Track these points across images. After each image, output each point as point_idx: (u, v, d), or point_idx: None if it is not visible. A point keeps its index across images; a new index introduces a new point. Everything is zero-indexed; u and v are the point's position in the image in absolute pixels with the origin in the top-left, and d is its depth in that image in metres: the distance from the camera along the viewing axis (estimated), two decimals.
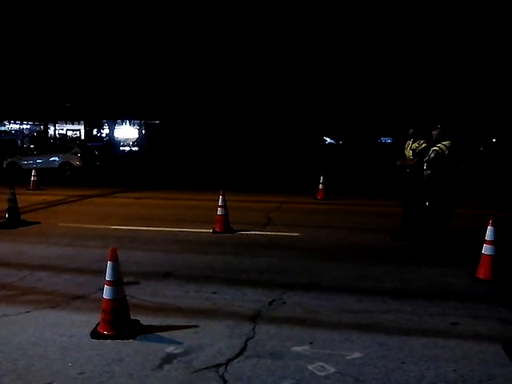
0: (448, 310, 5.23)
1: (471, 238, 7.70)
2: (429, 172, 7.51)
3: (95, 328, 4.54)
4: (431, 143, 7.73)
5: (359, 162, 25.88)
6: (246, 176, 20.80)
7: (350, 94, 35.73)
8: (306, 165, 23.97)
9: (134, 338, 4.42)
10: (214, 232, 9.13)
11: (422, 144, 8.20)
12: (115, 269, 4.47)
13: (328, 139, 46.59)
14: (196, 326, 4.72)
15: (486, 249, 6.23)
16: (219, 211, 9.15)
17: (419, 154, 8.09)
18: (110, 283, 4.42)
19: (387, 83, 34.79)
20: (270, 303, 5.38)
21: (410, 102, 33.32)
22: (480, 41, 32.09)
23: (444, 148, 7.38)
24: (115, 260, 4.45)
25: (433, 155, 7.42)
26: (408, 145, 8.49)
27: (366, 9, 33.13)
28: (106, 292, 4.42)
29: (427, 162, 7.51)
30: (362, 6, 33.05)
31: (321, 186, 14.12)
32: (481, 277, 6.23)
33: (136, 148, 41.29)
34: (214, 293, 5.72)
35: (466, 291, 5.92)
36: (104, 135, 53.92)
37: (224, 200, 9.10)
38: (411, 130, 8.37)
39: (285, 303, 5.40)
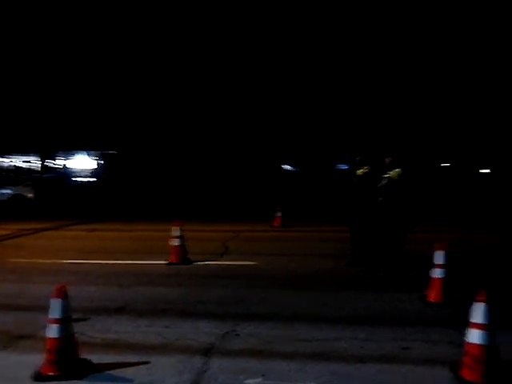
0: (401, 334, 5.30)
1: (423, 262, 7.76)
2: (381, 199, 7.76)
3: (39, 369, 4.32)
4: (383, 171, 8.01)
5: (317, 188, 26.25)
6: (202, 205, 20.65)
7: (307, 121, 36.47)
8: (263, 192, 24.05)
9: (81, 378, 4.24)
10: (169, 264, 8.99)
11: (363, 170, 8.58)
12: (60, 306, 4.30)
13: (286, 166, 47.12)
14: (147, 363, 4.59)
15: (435, 272, 6.40)
16: (175, 242, 9.05)
17: (363, 179, 8.42)
18: (54, 321, 4.25)
19: (343, 110, 35.71)
20: (224, 335, 5.30)
21: (364, 129, 34.30)
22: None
23: (395, 175, 7.68)
24: (60, 297, 4.29)
25: (385, 182, 7.71)
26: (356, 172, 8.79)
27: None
28: (51, 331, 4.25)
29: (379, 188, 7.78)
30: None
31: (278, 214, 14.20)
32: (432, 300, 6.36)
33: (93, 179, 40.68)
34: (166, 327, 5.58)
35: (417, 315, 6.01)
36: (59, 166, 52.97)
37: (180, 230, 9.03)
38: (358, 158, 8.65)
39: (239, 335, 5.33)
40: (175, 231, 9.00)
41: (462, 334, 4.42)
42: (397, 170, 7.77)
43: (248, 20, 32.80)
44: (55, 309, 4.29)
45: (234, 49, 32.76)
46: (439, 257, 6.38)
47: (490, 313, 4.00)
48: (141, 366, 4.51)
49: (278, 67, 33.89)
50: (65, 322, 4.32)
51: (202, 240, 11.50)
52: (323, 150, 39.08)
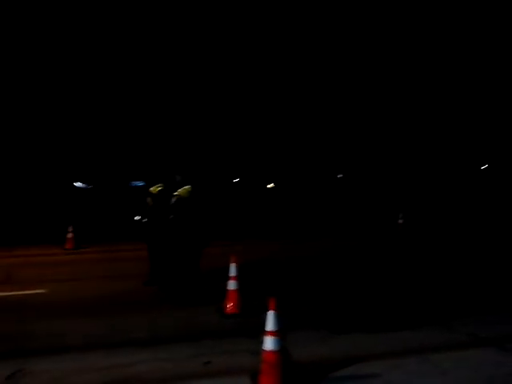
0: (201, 349, 5.36)
1: (220, 275, 7.77)
2: (172, 216, 7.77)
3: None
4: (172, 188, 8.08)
5: (111, 205, 23.71)
6: None
7: (100, 135, 33.87)
8: (52, 211, 21.81)
9: None
10: None
11: (157, 188, 8.75)
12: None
13: (78, 184, 43.34)
14: None
15: (230, 284, 6.73)
16: None
17: (155, 198, 8.59)
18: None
19: (140, 128, 34.44)
20: (11, 376, 4.75)
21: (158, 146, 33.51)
22: None
23: (184, 193, 7.75)
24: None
25: (174, 200, 7.73)
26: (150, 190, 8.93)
27: None
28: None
29: (170, 206, 7.81)
30: None
31: (69, 235, 13.34)
32: (229, 312, 6.66)
33: None
34: None
35: (216, 328, 6.21)
36: None
37: None
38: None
39: (29, 373, 4.82)
40: None
41: (259, 341, 4.55)
42: (186, 187, 7.83)
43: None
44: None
45: None
46: (232, 269, 6.76)
47: (279, 320, 4.27)
48: None
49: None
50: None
51: None
52: (116, 166, 36.94)
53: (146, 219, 8.66)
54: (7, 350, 5.53)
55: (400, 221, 15.81)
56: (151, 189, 8.73)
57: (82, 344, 5.70)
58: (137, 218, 8.71)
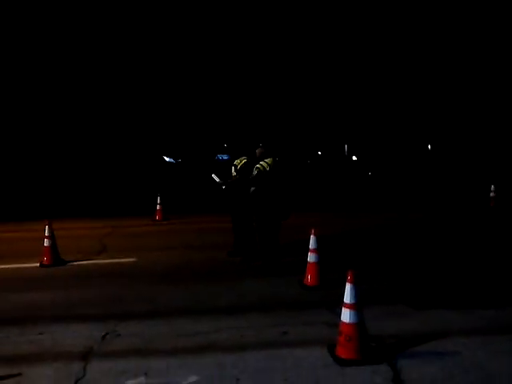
0: (280, 319, 5.49)
1: (300, 248, 7.85)
2: (253, 188, 7.79)
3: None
4: (255, 161, 8.04)
5: (198, 179, 22.72)
6: (75, 199, 19.17)
7: (187, 111, 35.09)
8: (142, 184, 23.12)
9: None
10: (41, 266, 8.50)
11: (242, 161, 8.73)
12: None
13: (167, 158, 44.52)
14: (19, 375, 4.30)
15: (310, 257, 6.72)
16: (46, 242, 8.51)
17: (240, 171, 8.62)
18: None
19: (223, 102, 33.97)
20: (103, 337, 5.09)
21: (237, 120, 32.78)
22: None
23: (266, 165, 7.67)
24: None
25: (255, 172, 7.69)
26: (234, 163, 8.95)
27: None
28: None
29: (251, 179, 7.83)
30: None
31: (158, 207, 13.87)
32: (308, 284, 6.71)
33: None
34: (40, 334, 5.23)
35: (295, 299, 6.29)
36: None
37: (51, 229, 8.57)
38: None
39: (119, 335, 5.15)
40: (46, 230, 8.54)
41: (336, 314, 4.74)
42: (267, 159, 7.78)
43: None
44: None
45: None
46: (313, 242, 6.73)
47: (357, 292, 4.29)
48: (11, 380, 4.20)
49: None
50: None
51: (78, 238, 11.17)
52: (203, 140, 36.86)
53: (222, 181, 8.83)
54: (101, 312, 5.90)
55: (492, 194, 15.04)
56: (236, 161, 8.84)
57: (169, 310, 5.97)
58: (214, 176, 8.89)
